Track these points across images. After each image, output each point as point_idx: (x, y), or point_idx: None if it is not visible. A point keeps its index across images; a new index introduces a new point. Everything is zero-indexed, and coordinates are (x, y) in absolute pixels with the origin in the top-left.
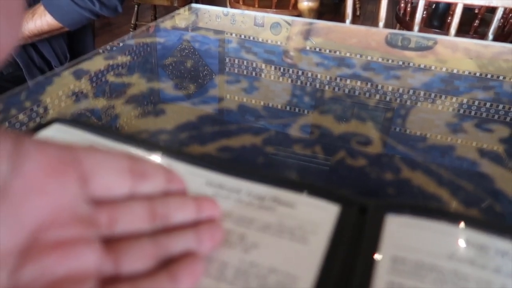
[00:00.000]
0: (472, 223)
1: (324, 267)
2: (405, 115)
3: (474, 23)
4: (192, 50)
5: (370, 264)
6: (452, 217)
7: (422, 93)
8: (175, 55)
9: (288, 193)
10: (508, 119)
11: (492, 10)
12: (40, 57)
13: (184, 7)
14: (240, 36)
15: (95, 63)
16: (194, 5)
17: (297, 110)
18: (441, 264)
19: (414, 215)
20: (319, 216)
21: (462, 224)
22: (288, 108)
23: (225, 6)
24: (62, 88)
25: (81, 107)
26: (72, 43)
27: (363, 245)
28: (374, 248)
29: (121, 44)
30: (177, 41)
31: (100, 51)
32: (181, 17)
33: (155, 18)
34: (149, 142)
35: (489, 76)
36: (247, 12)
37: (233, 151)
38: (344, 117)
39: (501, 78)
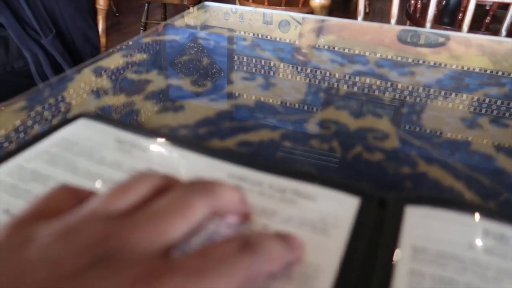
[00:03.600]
0: (490, 214)
1: (346, 257)
2: (420, 111)
3: (486, 20)
4: (204, 48)
5: (391, 254)
6: (471, 208)
7: (436, 90)
8: (187, 53)
9: (309, 186)
10: None
11: (504, 6)
12: (44, 54)
13: (194, 6)
14: (251, 34)
15: (112, 61)
16: (206, 3)
17: (311, 107)
18: (461, 253)
19: (433, 207)
20: (339, 209)
21: (480, 215)
22: (302, 104)
23: (234, 4)
24: (81, 85)
25: (101, 104)
26: (74, 41)
27: (383, 235)
28: (395, 238)
29: (133, 43)
30: (189, 40)
31: (117, 48)
32: (191, 16)
33: (165, 17)
34: (172, 136)
35: (504, 73)
36: (257, 9)
37: (251, 145)
38: (359, 113)
39: None
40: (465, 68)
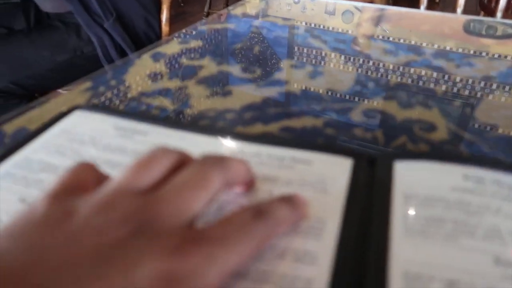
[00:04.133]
0: (469, 161)
1: (346, 210)
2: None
3: None
4: (261, 37)
5: (386, 202)
6: (452, 157)
7: (476, 80)
8: (244, 42)
9: (305, 153)
10: None
11: None
12: (109, 38)
13: None
14: (309, 24)
15: (170, 47)
16: None
17: (356, 97)
18: (446, 196)
19: (419, 160)
20: (335, 170)
21: (460, 162)
22: (346, 94)
23: None
24: (138, 70)
25: (152, 88)
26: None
27: (377, 188)
28: (387, 189)
29: (193, 32)
30: (247, 29)
31: (175, 35)
32: (252, 5)
33: (227, 7)
34: (171, 120)
35: None
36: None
37: (294, 131)
38: (405, 103)
39: None
40: None
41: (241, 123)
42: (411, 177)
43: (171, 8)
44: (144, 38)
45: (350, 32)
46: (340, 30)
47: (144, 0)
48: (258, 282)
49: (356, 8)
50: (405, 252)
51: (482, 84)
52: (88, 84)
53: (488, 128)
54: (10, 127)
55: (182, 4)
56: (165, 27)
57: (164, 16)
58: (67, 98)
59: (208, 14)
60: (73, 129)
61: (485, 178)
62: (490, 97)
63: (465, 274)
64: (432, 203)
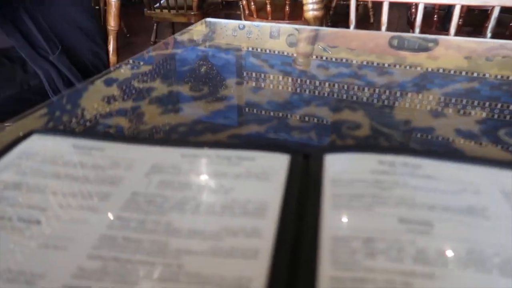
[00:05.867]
0: (384, 150)
1: (285, 194)
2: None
3: (486, 24)
4: (207, 60)
5: (318, 186)
6: (370, 148)
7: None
8: (191, 65)
9: (249, 152)
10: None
11: (507, 10)
12: (56, 70)
13: (200, 21)
14: (253, 47)
15: (120, 74)
16: (209, 19)
17: (295, 105)
18: (366, 177)
19: (344, 152)
20: (275, 164)
21: (377, 151)
22: (287, 104)
23: (240, 19)
24: (88, 96)
25: (110, 109)
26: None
27: (310, 176)
28: (318, 177)
29: (141, 59)
30: (194, 54)
31: (124, 63)
32: (198, 32)
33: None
34: (126, 136)
35: (472, 72)
36: (261, 24)
37: (240, 137)
38: (334, 108)
39: (488, 75)
40: (443, 69)
41: (192, 134)
42: (338, 166)
43: (118, 38)
44: (92, 69)
45: (291, 53)
46: (283, 52)
47: (90, 31)
48: (217, 256)
49: (297, 30)
50: (333, 222)
51: (397, 89)
52: (42, 111)
53: (401, 124)
54: None
55: (128, 35)
56: (112, 57)
57: (111, 46)
58: (20, 125)
59: (155, 44)
60: (32, 150)
61: (395, 162)
62: (401, 99)
63: (378, 232)
64: (354, 183)
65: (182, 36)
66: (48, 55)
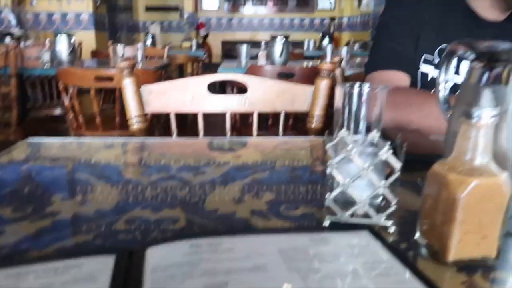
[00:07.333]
0: (194, 236)
1: None
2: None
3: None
4: (30, 178)
5: (139, 276)
6: (183, 236)
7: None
8: (13, 185)
9: (76, 260)
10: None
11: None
12: None
13: (21, 141)
14: (80, 160)
15: None
16: (31, 138)
17: (120, 211)
18: (180, 259)
19: (163, 243)
20: (101, 266)
21: (188, 238)
22: (111, 210)
23: (67, 133)
24: None
25: None
26: None
27: (133, 269)
28: (141, 267)
29: None
30: (16, 173)
31: None
32: (19, 151)
33: None
34: None
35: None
36: (82, 140)
37: (66, 249)
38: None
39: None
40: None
41: (17, 253)
42: (157, 256)
43: None
44: None
45: (119, 163)
46: (112, 162)
47: None
48: None
49: (125, 143)
50: None
51: (208, 184)
52: None
53: (211, 213)
54: None
55: None
56: None
57: None
58: None
59: None
60: None
61: (202, 243)
62: (214, 192)
63: None
64: (170, 268)
65: (3, 158)
66: None
